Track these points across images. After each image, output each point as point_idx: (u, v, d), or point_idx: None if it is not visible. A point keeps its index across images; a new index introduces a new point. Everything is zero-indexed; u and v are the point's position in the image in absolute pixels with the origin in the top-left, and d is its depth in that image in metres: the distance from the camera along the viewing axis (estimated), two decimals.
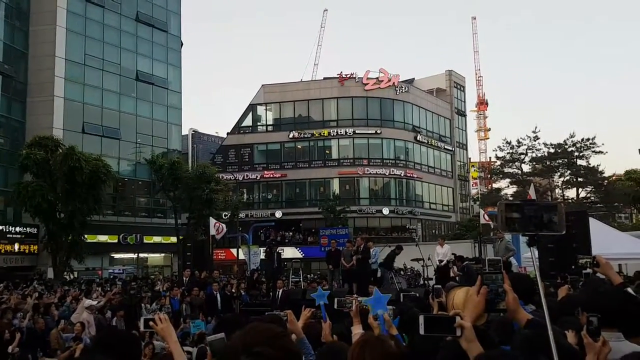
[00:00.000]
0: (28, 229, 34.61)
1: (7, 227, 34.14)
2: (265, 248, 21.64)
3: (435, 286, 7.79)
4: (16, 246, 33.90)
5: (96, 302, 12.73)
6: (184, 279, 17.69)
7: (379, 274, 16.48)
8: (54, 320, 12.80)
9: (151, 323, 3.08)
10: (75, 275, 30.88)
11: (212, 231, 21.55)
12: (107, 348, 2.71)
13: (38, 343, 11.50)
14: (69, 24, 39.51)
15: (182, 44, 48.68)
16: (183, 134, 49.94)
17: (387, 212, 46.53)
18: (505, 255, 13.49)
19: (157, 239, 41.95)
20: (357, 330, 3.89)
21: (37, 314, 12.61)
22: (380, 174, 47.58)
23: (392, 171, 47.59)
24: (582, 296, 3.47)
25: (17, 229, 34.58)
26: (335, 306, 4.75)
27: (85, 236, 29.44)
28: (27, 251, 34.63)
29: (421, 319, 2.20)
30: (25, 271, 33.03)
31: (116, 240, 39.40)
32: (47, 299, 15.28)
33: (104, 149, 38.23)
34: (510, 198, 48.29)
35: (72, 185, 26.31)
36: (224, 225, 22.68)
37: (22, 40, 38.89)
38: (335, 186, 46.91)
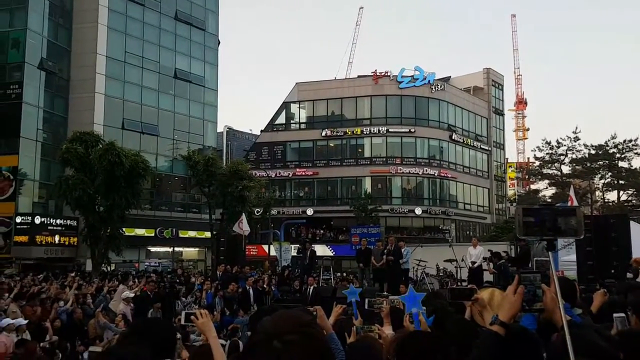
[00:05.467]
0: (68, 221, 35.73)
1: (48, 219, 35.31)
2: (298, 245, 21.70)
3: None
4: (57, 238, 35.02)
5: (133, 293, 12.99)
6: (218, 273, 17.95)
7: (409, 274, 16.35)
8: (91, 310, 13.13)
9: (192, 317, 3.12)
10: (113, 268, 31.69)
11: (245, 227, 21.77)
12: (142, 337, 2.75)
13: (77, 332, 11.83)
14: (110, 22, 40.57)
15: (219, 42, 49.33)
16: (218, 131, 50.71)
17: (420, 212, 46.04)
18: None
19: (192, 234, 42.76)
20: (387, 331, 3.87)
21: (77, 304, 12.99)
22: (413, 173, 47.07)
23: (426, 170, 47.01)
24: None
25: (58, 221, 35.72)
26: (366, 306, 4.74)
27: (124, 229, 30.19)
28: (67, 243, 35.74)
29: (447, 291, 2.21)
30: (65, 262, 34.14)
31: (153, 234, 40.38)
32: (85, 289, 15.72)
33: (142, 145, 39.15)
34: (549, 200, 47.14)
35: (112, 179, 26.96)
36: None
37: (66, 37, 40.13)
38: (367, 185, 46.68)
